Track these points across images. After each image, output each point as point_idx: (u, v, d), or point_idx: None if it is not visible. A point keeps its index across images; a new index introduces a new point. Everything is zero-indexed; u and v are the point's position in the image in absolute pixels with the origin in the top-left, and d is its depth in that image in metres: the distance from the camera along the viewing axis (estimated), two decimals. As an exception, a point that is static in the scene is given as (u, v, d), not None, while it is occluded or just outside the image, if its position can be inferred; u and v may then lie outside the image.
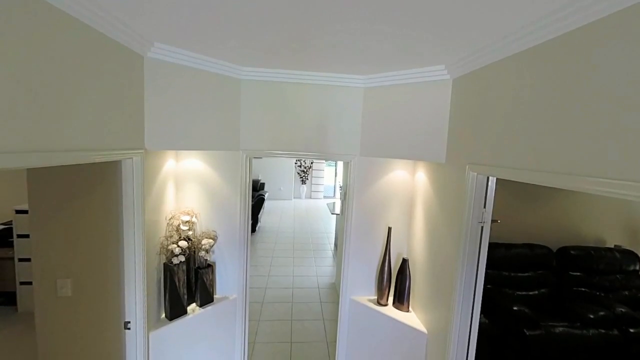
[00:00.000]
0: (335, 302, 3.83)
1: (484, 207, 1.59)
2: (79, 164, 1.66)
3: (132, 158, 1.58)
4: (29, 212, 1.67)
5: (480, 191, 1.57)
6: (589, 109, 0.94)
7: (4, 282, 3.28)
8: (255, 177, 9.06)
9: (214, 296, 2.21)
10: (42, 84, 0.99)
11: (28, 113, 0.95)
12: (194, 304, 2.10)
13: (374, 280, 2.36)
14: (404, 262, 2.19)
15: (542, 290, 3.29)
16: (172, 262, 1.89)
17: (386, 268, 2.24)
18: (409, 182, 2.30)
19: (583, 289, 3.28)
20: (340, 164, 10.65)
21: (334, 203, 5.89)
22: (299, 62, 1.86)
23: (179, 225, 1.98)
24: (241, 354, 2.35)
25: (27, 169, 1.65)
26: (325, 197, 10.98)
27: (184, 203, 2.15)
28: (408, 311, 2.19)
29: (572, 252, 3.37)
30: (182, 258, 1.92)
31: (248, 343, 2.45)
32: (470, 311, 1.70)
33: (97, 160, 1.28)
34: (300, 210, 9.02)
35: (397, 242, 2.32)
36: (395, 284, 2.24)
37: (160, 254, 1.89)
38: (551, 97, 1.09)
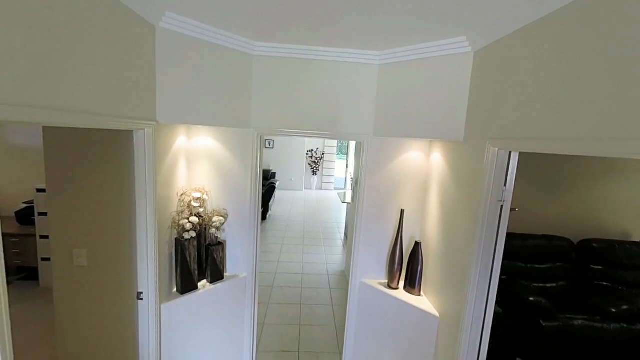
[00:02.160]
0: (345, 289, 3.81)
1: (505, 185, 1.51)
2: (93, 135, 1.67)
3: (144, 129, 1.58)
4: (46, 183, 1.70)
5: (500, 168, 1.49)
6: (622, 69, 0.86)
7: (27, 258, 3.42)
8: (266, 167, 9.10)
9: (224, 274, 2.22)
10: (60, 44, 0.99)
11: (46, 71, 0.95)
12: (204, 280, 2.12)
13: (384, 264, 2.32)
14: (417, 245, 2.13)
15: (561, 282, 3.17)
16: (183, 237, 1.91)
17: (398, 251, 2.19)
18: (423, 163, 2.23)
19: (605, 283, 3.15)
20: (351, 155, 10.56)
21: (344, 193, 5.85)
22: (313, 35, 1.81)
23: (190, 201, 1.99)
24: (251, 331, 2.37)
25: (45, 143, 1.68)
26: (336, 188, 10.94)
27: (195, 180, 2.15)
28: (419, 295, 2.14)
29: (594, 244, 3.23)
30: (193, 234, 1.93)
31: (257, 323, 2.47)
32: (486, 295, 1.64)
33: (110, 127, 1.28)
34: (310, 200, 9.02)
35: (410, 225, 2.27)
36: (407, 267, 2.19)
37: (171, 228, 1.91)
38: (578, 61, 1.00)
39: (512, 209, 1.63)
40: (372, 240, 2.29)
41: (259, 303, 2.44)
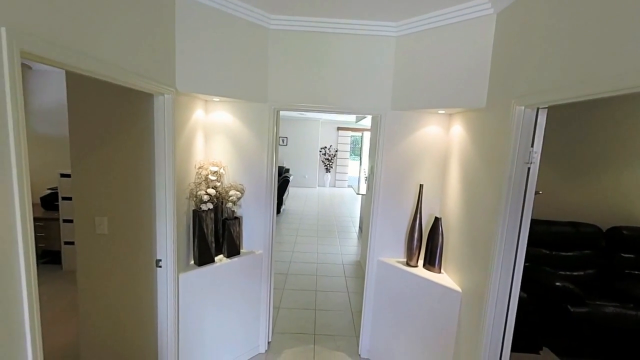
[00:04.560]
0: (360, 277, 3.76)
1: (532, 145, 1.44)
2: (115, 101, 1.71)
3: (163, 95, 1.60)
4: (70, 152, 1.75)
5: (527, 127, 1.43)
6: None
7: (51, 242, 3.53)
8: (279, 164, 9.14)
9: (240, 250, 2.22)
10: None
11: (78, 15, 0.98)
12: (221, 255, 2.13)
13: (403, 241, 2.26)
14: (437, 220, 2.07)
15: (589, 271, 3.02)
16: (200, 209, 1.91)
17: (417, 227, 2.13)
18: (442, 137, 2.17)
19: (636, 272, 2.97)
20: (365, 154, 10.49)
21: (358, 185, 5.79)
22: (329, 6, 1.79)
23: (207, 175, 2.00)
24: (267, 307, 2.35)
25: (69, 109, 1.72)
26: (349, 186, 10.87)
27: (212, 155, 2.17)
28: (440, 273, 2.07)
29: (624, 232, 3.06)
30: (210, 206, 1.94)
31: (273, 306, 2.45)
32: (512, 266, 1.56)
33: (132, 84, 1.30)
34: (324, 197, 9.00)
35: (429, 200, 2.20)
36: (427, 244, 2.13)
37: (189, 199, 1.92)
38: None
39: (536, 192, 1.56)
40: (389, 218, 2.24)
41: (274, 289, 2.43)
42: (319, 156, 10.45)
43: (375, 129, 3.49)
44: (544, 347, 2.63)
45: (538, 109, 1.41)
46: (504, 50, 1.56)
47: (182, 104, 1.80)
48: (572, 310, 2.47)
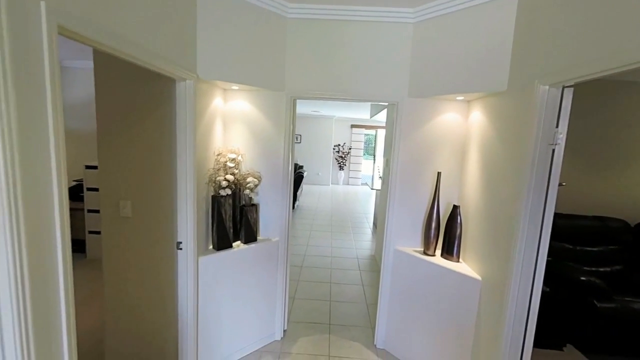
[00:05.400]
0: (375, 271, 3.74)
1: (557, 126, 1.40)
2: (138, 87, 1.77)
3: (185, 81, 1.64)
4: (97, 137, 1.82)
5: (552, 108, 1.39)
6: None
7: (76, 231, 3.68)
8: (294, 161, 9.18)
9: (257, 237, 2.25)
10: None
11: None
12: (238, 241, 2.16)
13: (419, 230, 2.23)
14: (455, 208, 2.03)
15: (616, 267, 2.89)
16: (219, 194, 1.96)
17: (434, 216, 2.10)
18: (460, 125, 2.13)
19: (669, 269, 2.82)
20: (378, 154, 10.41)
21: (372, 181, 5.75)
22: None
23: (225, 162, 2.04)
24: (283, 295, 2.38)
25: (97, 97, 1.80)
26: (364, 183, 10.81)
27: (230, 143, 2.21)
28: (458, 262, 2.03)
29: (655, 226, 2.91)
30: (229, 191, 1.98)
31: (288, 296, 2.47)
32: (535, 257, 1.51)
33: (155, 65, 1.34)
34: (337, 194, 8.99)
35: (447, 188, 2.17)
36: (444, 233, 2.09)
37: (208, 184, 1.96)
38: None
39: (559, 184, 1.51)
40: (406, 206, 2.22)
41: (289, 280, 2.45)
42: (332, 154, 10.44)
43: (391, 118, 3.45)
44: (567, 344, 2.54)
45: (563, 88, 1.36)
46: (527, 28, 1.52)
47: (202, 92, 1.84)
48: (598, 305, 2.37)
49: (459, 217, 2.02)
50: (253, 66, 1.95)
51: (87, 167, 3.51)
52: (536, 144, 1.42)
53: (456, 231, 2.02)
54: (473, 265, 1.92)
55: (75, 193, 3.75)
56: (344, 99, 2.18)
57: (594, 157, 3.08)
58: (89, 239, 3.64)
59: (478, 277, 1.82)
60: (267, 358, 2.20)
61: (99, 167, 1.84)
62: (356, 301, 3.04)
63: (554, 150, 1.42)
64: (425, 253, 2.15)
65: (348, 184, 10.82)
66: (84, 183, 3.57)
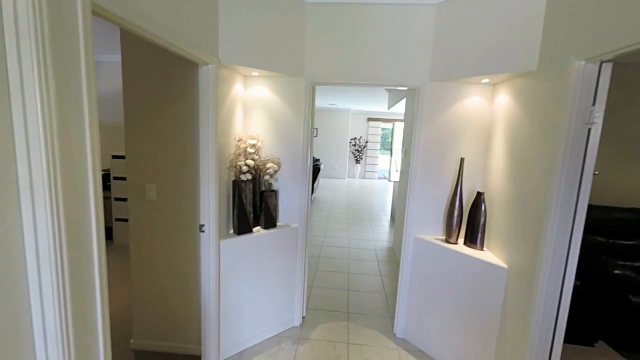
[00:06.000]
0: (393, 263, 3.70)
1: (593, 104, 1.31)
2: (163, 74, 1.81)
3: (207, 65, 1.67)
4: (125, 122, 1.89)
5: (588, 84, 1.30)
6: None
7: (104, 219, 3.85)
8: (310, 154, 9.18)
9: (277, 223, 2.28)
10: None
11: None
12: (258, 227, 2.19)
13: (441, 218, 2.18)
14: (479, 195, 1.97)
15: (654, 262, 2.72)
16: (240, 179, 1.98)
17: (457, 203, 2.05)
18: (485, 109, 2.05)
19: None
20: (396, 148, 10.25)
21: (389, 174, 5.67)
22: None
23: (246, 148, 2.06)
24: (302, 282, 2.40)
25: (124, 84, 1.86)
26: (381, 177, 10.70)
27: (250, 129, 2.23)
28: (482, 250, 1.97)
29: (697, 220, 2.71)
30: (249, 176, 2.00)
31: (307, 282, 2.49)
32: (567, 245, 1.44)
33: (181, 47, 1.36)
34: (354, 187, 8.94)
35: (470, 175, 2.10)
36: (467, 220, 2.04)
37: (229, 169, 2.00)
38: None
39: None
40: (427, 193, 2.17)
41: (307, 269, 2.46)
42: (348, 147, 10.38)
43: (410, 108, 3.36)
44: (599, 340, 2.42)
45: (601, 63, 1.28)
46: (562, 2, 1.43)
47: (223, 78, 1.86)
48: (633, 300, 2.24)
49: (483, 204, 1.95)
50: (273, 51, 1.95)
51: (114, 156, 3.65)
52: (570, 124, 1.34)
53: (480, 219, 1.96)
54: (498, 253, 1.86)
55: (103, 182, 3.91)
56: (364, 84, 2.14)
57: (629, 145, 2.89)
58: (116, 226, 3.80)
59: (504, 265, 1.76)
60: (287, 343, 2.23)
61: (126, 153, 1.91)
62: (374, 291, 3.02)
63: (589, 131, 1.34)
64: (447, 241, 2.10)
65: (364, 178, 10.74)
66: (110, 173, 3.72)
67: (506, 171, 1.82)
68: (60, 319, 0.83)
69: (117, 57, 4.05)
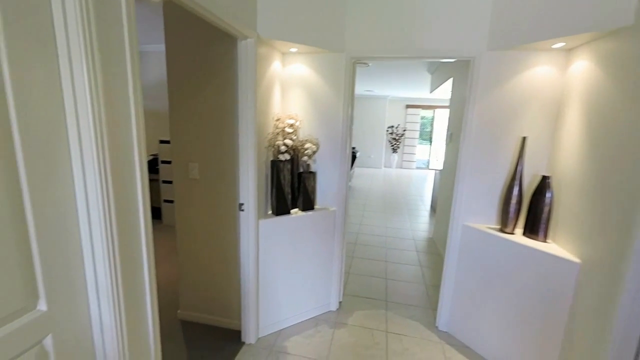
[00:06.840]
0: (434, 254, 3.50)
1: None
2: (203, 53, 1.80)
3: (247, 39, 1.62)
4: (169, 105, 1.93)
5: None
6: None
7: (152, 200, 4.11)
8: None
9: (315, 205, 2.22)
10: None
11: None
12: (296, 209, 2.15)
13: (495, 205, 1.97)
14: (544, 179, 1.73)
15: None
16: (278, 159, 1.94)
17: (515, 188, 1.82)
18: (555, 80, 1.78)
19: None
20: (435, 137, 9.70)
21: (428, 163, 5.35)
22: None
23: (284, 127, 2.01)
24: (339, 266, 2.33)
25: (168, 65, 1.88)
26: (417, 168, 10.24)
27: (288, 108, 2.17)
28: (545, 242, 1.74)
29: None
30: (288, 157, 1.95)
31: (344, 267, 2.42)
32: None
33: (222, 19, 1.32)
34: (391, 177, 8.65)
35: (533, 156, 1.86)
36: (529, 208, 1.81)
37: (268, 149, 1.96)
38: None
39: None
40: (479, 177, 1.97)
41: (346, 256, 2.38)
42: (385, 136, 10.03)
43: (458, 83, 3.04)
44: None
45: None
46: (673, -64, 1.15)
47: (261, 56, 1.80)
48: None
49: (549, 190, 1.71)
50: (312, 26, 1.85)
51: (161, 141, 3.84)
52: (680, 87, 1.08)
53: (544, 206, 1.72)
54: (567, 246, 1.62)
55: (152, 166, 4.16)
56: (410, 57, 1.97)
57: None
58: (164, 207, 4.03)
59: (576, 259, 1.53)
60: (323, 326, 2.20)
61: (170, 133, 1.96)
62: (414, 281, 2.87)
63: None
64: (502, 230, 1.89)
65: (401, 167, 10.34)
66: (158, 157, 3.93)
67: (583, 153, 1.56)
68: (111, 276, 0.86)
69: (162, 47, 4.22)
